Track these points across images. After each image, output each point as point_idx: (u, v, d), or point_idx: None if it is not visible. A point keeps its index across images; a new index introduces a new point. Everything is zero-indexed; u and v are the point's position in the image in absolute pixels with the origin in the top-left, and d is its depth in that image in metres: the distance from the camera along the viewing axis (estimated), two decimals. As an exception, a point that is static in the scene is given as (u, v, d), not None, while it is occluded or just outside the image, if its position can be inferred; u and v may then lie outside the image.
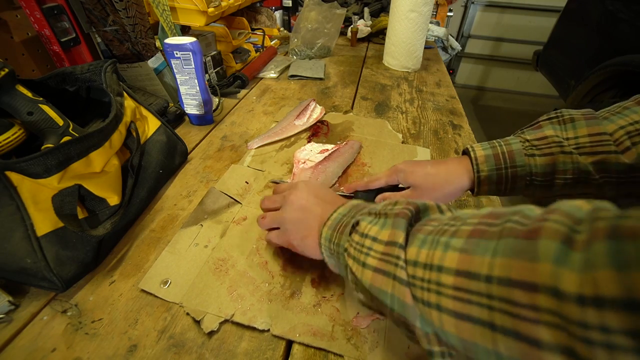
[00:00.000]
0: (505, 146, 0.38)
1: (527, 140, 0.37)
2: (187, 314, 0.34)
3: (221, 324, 0.34)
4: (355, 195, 0.46)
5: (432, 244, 0.20)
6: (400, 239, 0.22)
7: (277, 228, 0.37)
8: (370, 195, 0.45)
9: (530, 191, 0.38)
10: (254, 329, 0.34)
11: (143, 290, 0.37)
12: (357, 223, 0.28)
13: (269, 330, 0.34)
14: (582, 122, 0.35)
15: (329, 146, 0.60)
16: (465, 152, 0.41)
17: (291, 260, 0.40)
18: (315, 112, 0.70)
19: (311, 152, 0.58)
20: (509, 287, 0.15)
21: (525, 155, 0.37)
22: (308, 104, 0.70)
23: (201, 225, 0.44)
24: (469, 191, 0.41)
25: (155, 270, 0.38)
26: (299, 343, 0.33)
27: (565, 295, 0.13)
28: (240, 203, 0.48)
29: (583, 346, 0.13)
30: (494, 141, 0.40)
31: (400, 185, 0.44)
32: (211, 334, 0.33)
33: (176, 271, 0.38)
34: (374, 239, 0.25)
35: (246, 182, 0.52)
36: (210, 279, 0.38)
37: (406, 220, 0.24)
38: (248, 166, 0.56)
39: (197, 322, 0.34)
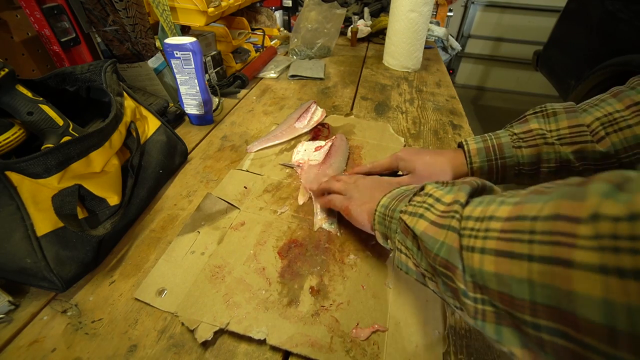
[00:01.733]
0: (495, 139, 0.42)
1: (515, 134, 0.41)
2: (182, 324, 0.33)
3: (216, 333, 0.33)
4: None
5: (489, 203, 0.22)
6: (462, 199, 0.24)
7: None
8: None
9: (518, 179, 0.43)
10: (249, 338, 0.33)
11: (138, 300, 0.36)
12: (423, 188, 0.29)
13: (265, 340, 0.32)
14: (562, 115, 0.39)
15: (321, 142, 0.60)
16: (460, 146, 0.45)
17: (289, 266, 0.40)
18: (316, 115, 0.70)
19: (306, 152, 0.58)
20: (553, 221, 0.16)
21: (513, 148, 0.41)
22: (309, 107, 0.69)
23: (198, 232, 0.43)
24: None
25: (151, 279, 0.37)
26: (296, 355, 0.32)
27: (603, 216, 0.14)
28: (239, 208, 0.47)
29: (612, 257, 0.13)
30: (486, 135, 0.44)
31: (399, 173, 0.48)
32: (205, 344, 0.32)
33: (172, 280, 0.37)
34: (437, 200, 0.26)
35: (245, 187, 0.51)
36: (206, 287, 0.37)
37: (471, 187, 0.25)
38: (247, 170, 0.55)
39: (192, 332, 0.33)
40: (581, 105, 0.39)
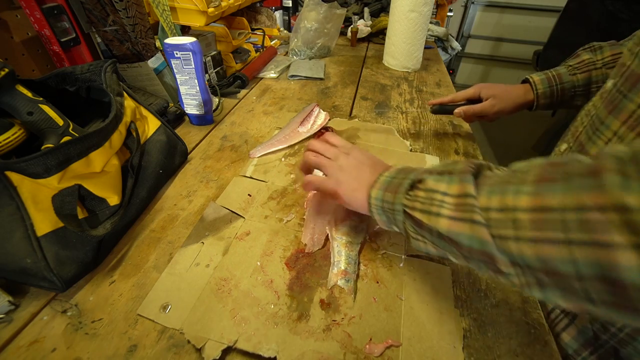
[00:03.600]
0: (554, 72, 0.57)
1: (570, 65, 0.56)
2: (188, 341, 0.32)
3: (224, 351, 0.32)
4: (435, 109, 0.64)
5: (501, 192, 0.24)
6: (472, 191, 0.26)
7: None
8: (450, 108, 0.62)
9: (573, 101, 0.56)
10: (259, 356, 0.32)
11: (141, 315, 0.34)
12: (420, 181, 0.31)
13: (275, 358, 0.31)
14: (606, 47, 0.54)
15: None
16: (525, 81, 0.60)
17: (298, 277, 0.39)
18: (320, 118, 0.68)
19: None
20: (582, 212, 0.19)
21: (569, 75, 0.55)
22: (312, 110, 0.67)
23: (202, 243, 0.42)
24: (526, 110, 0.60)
25: (155, 294, 0.36)
26: None
27: (630, 208, 0.17)
28: (243, 217, 0.46)
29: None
30: (546, 70, 0.58)
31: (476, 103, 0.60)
32: None
33: (176, 294, 0.36)
34: (444, 194, 0.28)
35: (249, 194, 0.50)
36: (212, 302, 0.36)
37: (471, 175, 0.27)
38: (251, 177, 0.54)
39: (199, 350, 0.32)
40: (622, 41, 0.53)
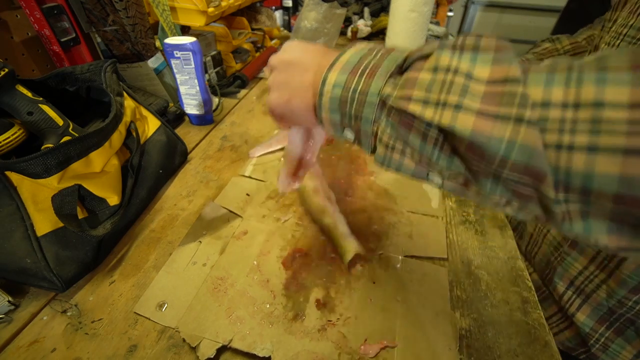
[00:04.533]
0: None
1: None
2: (184, 340, 0.32)
3: (219, 350, 0.32)
4: None
5: (567, 81, 0.17)
6: (517, 73, 0.18)
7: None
8: None
9: None
10: (254, 355, 0.32)
11: (137, 314, 0.35)
12: (422, 58, 0.21)
13: (270, 357, 0.31)
14: (564, 37, 0.65)
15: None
16: None
17: (294, 277, 0.39)
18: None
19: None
20: None
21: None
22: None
23: (200, 241, 0.42)
24: None
25: (151, 292, 0.36)
26: None
27: None
28: (241, 216, 0.46)
29: None
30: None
31: None
32: None
33: (173, 293, 0.36)
34: (469, 76, 0.18)
35: (247, 194, 0.50)
36: (208, 300, 0.36)
37: (514, 55, 0.19)
38: (250, 176, 0.54)
39: (193, 349, 0.32)
40: (573, 34, 0.65)
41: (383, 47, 0.24)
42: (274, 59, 0.30)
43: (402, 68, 0.22)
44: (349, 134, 0.25)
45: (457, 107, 0.18)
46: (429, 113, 0.19)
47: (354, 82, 0.23)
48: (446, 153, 0.20)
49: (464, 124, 0.18)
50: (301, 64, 0.27)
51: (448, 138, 0.19)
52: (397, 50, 0.23)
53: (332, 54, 0.26)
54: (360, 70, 0.23)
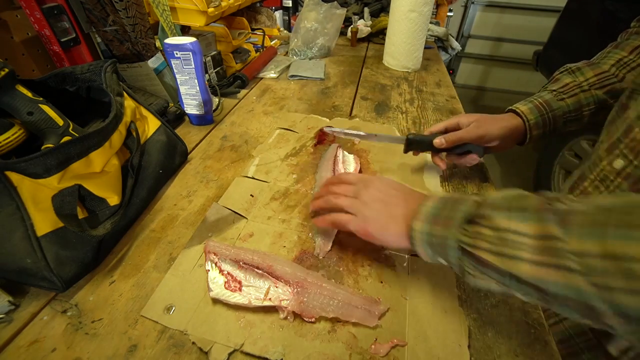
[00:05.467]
0: (539, 99, 0.51)
1: (554, 90, 0.51)
2: (193, 343, 0.32)
3: (230, 354, 0.32)
4: (410, 140, 0.52)
5: (600, 236, 0.21)
6: (557, 233, 0.23)
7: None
8: (427, 139, 0.51)
9: (566, 126, 0.51)
10: (266, 359, 0.32)
11: (144, 317, 0.34)
12: (483, 217, 0.28)
13: None
14: (586, 68, 0.50)
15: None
16: (510, 111, 0.52)
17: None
18: (349, 163, 0.56)
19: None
20: None
21: (557, 101, 0.50)
22: (335, 155, 0.56)
23: (205, 244, 0.41)
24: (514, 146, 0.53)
25: (159, 295, 0.36)
26: None
27: None
28: (246, 218, 0.46)
29: None
30: (528, 99, 0.52)
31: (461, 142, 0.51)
32: None
33: (180, 295, 0.36)
34: (520, 234, 0.25)
35: (251, 195, 0.50)
36: (216, 304, 0.36)
37: (552, 213, 0.24)
38: (253, 177, 0.54)
39: (205, 353, 0.32)
40: (593, 60, 0.51)
41: (452, 199, 0.32)
42: (367, 186, 0.39)
43: (469, 221, 0.28)
44: (443, 261, 0.32)
45: (514, 257, 0.25)
46: (497, 262, 0.26)
47: (437, 230, 0.31)
48: (518, 282, 0.25)
49: (524, 270, 0.24)
50: (393, 202, 0.36)
51: (514, 276, 0.25)
52: (460, 203, 0.30)
53: (413, 199, 0.36)
54: (441, 222, 0.31)
